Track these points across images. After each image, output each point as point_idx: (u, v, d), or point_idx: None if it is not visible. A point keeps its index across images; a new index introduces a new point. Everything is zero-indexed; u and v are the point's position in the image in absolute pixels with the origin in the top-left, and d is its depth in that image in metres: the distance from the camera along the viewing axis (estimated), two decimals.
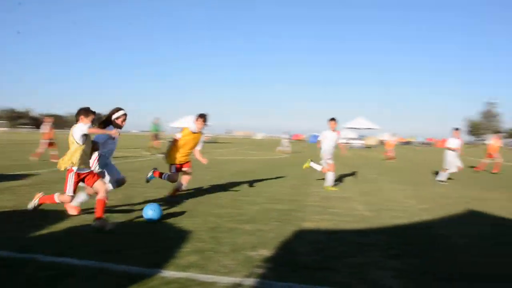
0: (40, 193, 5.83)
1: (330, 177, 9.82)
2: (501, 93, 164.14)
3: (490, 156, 17.24)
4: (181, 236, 4.94)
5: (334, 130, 9.90)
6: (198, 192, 8.51)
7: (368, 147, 50.03)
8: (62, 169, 5.25)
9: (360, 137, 55.46)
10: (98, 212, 5.25)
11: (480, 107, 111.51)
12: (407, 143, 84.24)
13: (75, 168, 5.25)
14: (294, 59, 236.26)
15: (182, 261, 4.01)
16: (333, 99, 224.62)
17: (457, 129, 12.48)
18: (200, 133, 7.43)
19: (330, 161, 9.87)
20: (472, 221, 6.55)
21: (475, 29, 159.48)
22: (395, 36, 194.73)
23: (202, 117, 7.36)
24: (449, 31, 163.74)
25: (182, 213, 6.26)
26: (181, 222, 5.63)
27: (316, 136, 71.33)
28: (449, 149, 12.30)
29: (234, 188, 9.22)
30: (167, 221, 5.68)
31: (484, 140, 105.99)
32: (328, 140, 9.89)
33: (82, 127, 5.21)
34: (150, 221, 5.55)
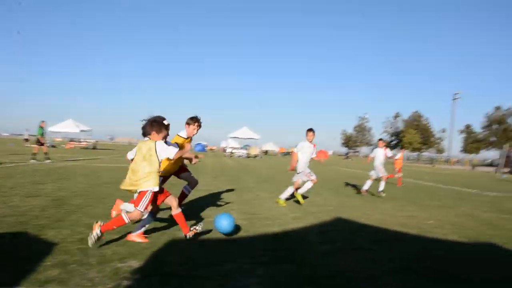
0: (99, 222, 4.84)
1: (290, 191, 9.50)
2: (373, 108, 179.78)
3: (398, 170, 18.50)
4: (44, 248, 4.61)
5: (311, 142, 9.61)
6: (69, 200, 8.01)
7: (251, 156, 51.43)
8: (140, 189, 4.87)
9: (244, 147, 57.00)
10: (184, 227, 5.36)
11: (355, 121, 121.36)
12: (289, 153, 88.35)
13: (156, 189, 4.92)
14: (162, 68, 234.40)
15: (41, 276, 3.75)
16: (216, 107, 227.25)
17: (380, 139, 13.56)
18: (190, 138, 6.63)
19: (313, 176, 9.51)
20: (337, 227, 7.07)
21: (339, 42, 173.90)
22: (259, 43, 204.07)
23: (197, 121, 6.56)
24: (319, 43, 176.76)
25: (48, 224, 5.84)
26: (46, 234, 5.26)
27: (201, 145, 71.42)
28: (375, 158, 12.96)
29: (109, 197, 8.84)
30: (30, 232, 5.27)
31: (357, 151, 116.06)
32: (305, 153, 9.53)
33: (170, 151, 4.93)
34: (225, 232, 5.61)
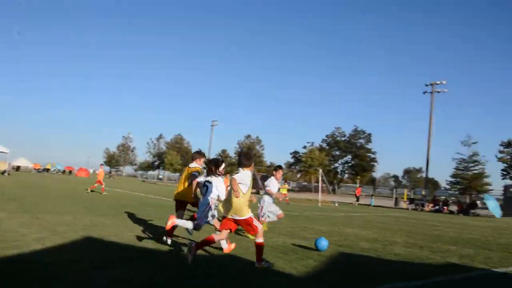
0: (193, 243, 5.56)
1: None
2: (137, 128, 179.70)
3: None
4: None
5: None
6: None
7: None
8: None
9: None
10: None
11: (119, 140, 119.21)
12: (46, 170, 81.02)
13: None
14: None
15: None
16: None
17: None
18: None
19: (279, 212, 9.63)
20: (84, 246, 6.72)
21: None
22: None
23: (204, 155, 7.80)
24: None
25: None
26: None
27: None
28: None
29: None
30: None
31: (120, 171, 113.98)
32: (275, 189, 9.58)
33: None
34: None
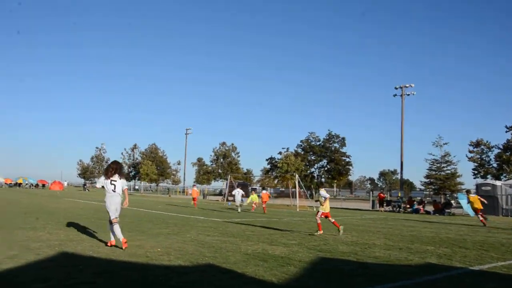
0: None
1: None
2: (111, 138, 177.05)
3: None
4: None
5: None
6: None
7: None
8: None
9: None
10: None
11: (92, 151, 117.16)
12: (18, 184, 78.97)
13: None
14: None
15: None
16: None
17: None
18: None
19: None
20: (58, 263, 6.53)
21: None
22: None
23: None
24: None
25: None
26: None
27: None
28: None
29: None
30: None
31: (94, 182, 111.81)
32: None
33: None
34: None
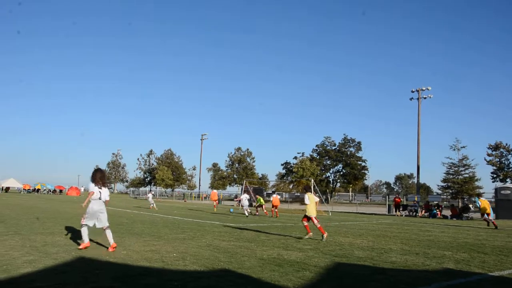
0: None
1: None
2: (127, 144, 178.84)
3: None
4: None
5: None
6: None
7: None
8: None
9: None
10: None
11: (108, 157, 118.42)
12: (36, 190, 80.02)
13: None
14: None
15: None
16: None
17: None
18: None
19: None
20: (76, 267, 6.60)
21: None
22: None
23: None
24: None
25: None
26: None
27: None
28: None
29: None
30: None
31: (111, 188, 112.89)
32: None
33: None
34: None
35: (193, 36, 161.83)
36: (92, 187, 8.75)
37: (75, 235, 11.09)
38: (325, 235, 11.96)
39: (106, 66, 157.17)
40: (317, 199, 12.61)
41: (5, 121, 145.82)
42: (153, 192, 35.75)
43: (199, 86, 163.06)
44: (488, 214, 20.85)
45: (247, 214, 24.84)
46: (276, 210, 26.43)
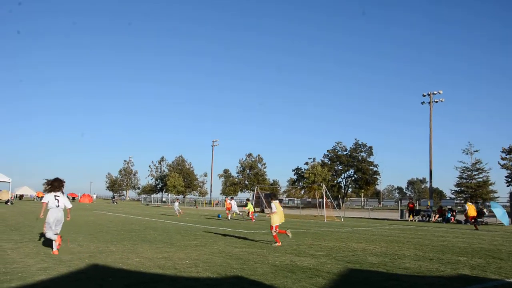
0: None
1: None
2: (138, 151, 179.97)
3: None
4: None
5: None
6: None
7: (2, 202, 45.07)
8: None
9: None
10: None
11: (120, 164, 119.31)
12: None
13: None
14: None
15: None
16: None
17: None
18: None
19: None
20: (89, 275, 6.63)
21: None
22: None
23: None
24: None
25: None
26: None
27: None
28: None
29: None
30: None
31: (123, 195, 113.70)
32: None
33: None
34: None
35: (210, 38, 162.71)
36: (46, 197, 9.10)
37: (88, 242, 11.16)
38: (278, 244, 11.58)
39: (118, 77, 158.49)
40: (281, 209, 12.17)
41: (20, 126, 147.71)
42: (179, 200, 36.10)
43: (209, 92, 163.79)
44: (471, 218, 23.18)
45: (229, 218, 27.17)
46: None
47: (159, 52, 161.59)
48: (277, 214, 11.93)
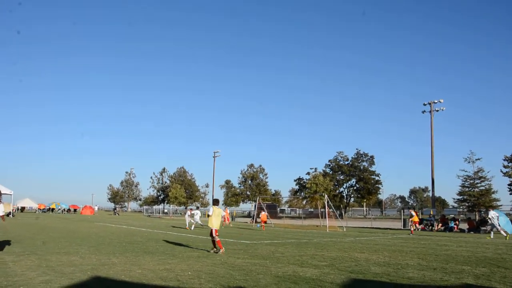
0: None
1: None
2: (139, 163, 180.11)
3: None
4: None
5: None
6: None
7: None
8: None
9: None
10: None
11: (122, 176, 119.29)
12: (51, 209, 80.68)
13: None
14: None
15: None
16: None
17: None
18: None
19: None
20: (91, 287, 6.62)
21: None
22: None
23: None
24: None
25: None
26: None
27: None
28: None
29: None
30: None
31: (125, 206, 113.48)
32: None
33: None
34: None
35: (211, 47, 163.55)
36: None
37: (90, 254, 11.13)
38: (222, 250, 11.88)
39: (119, 87, 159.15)
40: (224, 214, 12.52)
41: (19, 143, 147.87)
42: (199, 214, 30.40)
43: (210, 103, 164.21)
44: (415, 223, 27.88)
45: (192, 228, 27.26)
46: (263, 224, 30.92)
47: (158, 57, 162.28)
48: (214, 217, 12.27)
